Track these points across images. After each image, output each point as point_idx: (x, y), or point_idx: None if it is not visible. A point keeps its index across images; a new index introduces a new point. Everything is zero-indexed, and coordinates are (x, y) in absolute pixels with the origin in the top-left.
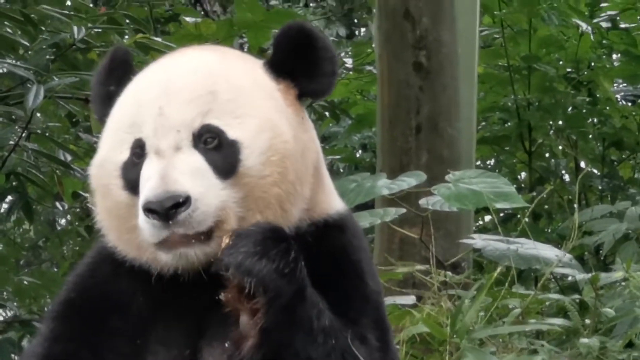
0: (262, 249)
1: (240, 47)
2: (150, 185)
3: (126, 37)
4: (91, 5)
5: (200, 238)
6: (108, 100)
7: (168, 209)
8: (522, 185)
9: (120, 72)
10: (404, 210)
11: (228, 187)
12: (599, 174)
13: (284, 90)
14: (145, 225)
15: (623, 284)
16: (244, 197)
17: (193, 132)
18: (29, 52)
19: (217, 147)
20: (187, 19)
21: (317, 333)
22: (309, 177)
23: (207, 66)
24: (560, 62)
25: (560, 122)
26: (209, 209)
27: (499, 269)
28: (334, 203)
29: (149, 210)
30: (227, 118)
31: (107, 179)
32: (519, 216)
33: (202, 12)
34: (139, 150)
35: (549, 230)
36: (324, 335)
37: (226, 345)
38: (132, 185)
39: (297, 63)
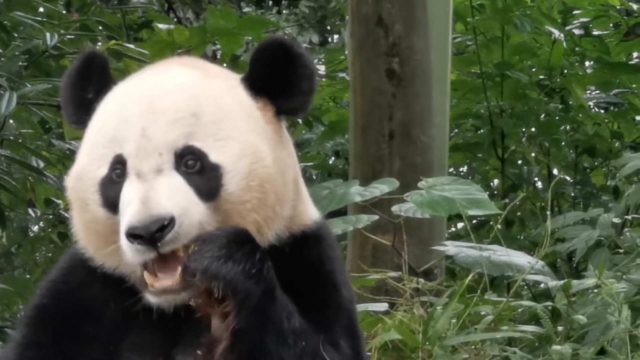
0: (227, 252)
1: (213, 54)
2: (132, 210)
3: (99, 43)
4: (64, 12)
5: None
6: (83, 106)
7: (154, 233)
8: (495, 192)
9: (99, 80)
10: (376, 217)
11: (209, 210)
12: (571, 181)
13: (262, 108)
14: (128, 248)
15: (595, 291)
16: (223, 220)
17: (175, 153)
18: (2, 59)
19: (199, 171)
20: (160, 25)
21: (288, 334)
22: (290, 195)
23: (191, 85)
24: (533, 69)
25: (532, 129)
26: (192, 222)
27: (470, 276)
28: (310, 213)
29: (132, 235)
30: (210, 140)
31: (84, 193)
32: (491, 223)
33: (175, 19)
34: (119, 168)
35: (522, 237)
36: (294, 337)
37: (198, 352)
38: (111, 203)
39: (275, 80)
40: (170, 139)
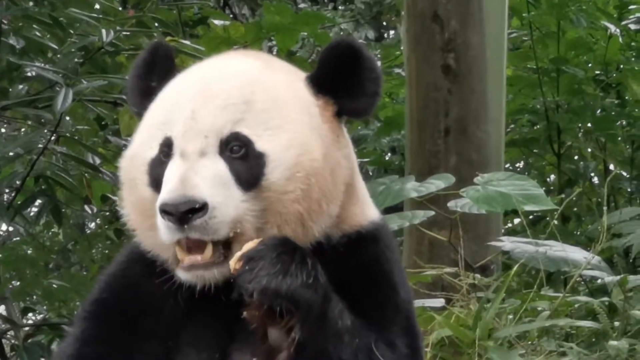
0: (282, 267)
1: (269, 50)
2: (168, 187)
3: (155, 40)
4: (120, 8)
5: (219, 251)
6: (148, 95)
7: (183, 213)
8: (551, 188)
9: (163, 69)
10: (432, 213)
11: (248, 199)
12: (627, 176)
13: (322, 107)
14: (162, 225)
15: None
16: (263, 210)
17: (221, 139)
18: (58, 56)
19: (243, 157)
20: (216, 22)
21: (343, 332)
22: (338, 195)
23: (248, 74)
24: (589, 65)
25: (589, 125)
26: (225, 219)
27: (515, 268)
28: (367, 213)
29: (164, 211)
30: (259, 129)
31: (134, 173)
32: (547, 219)
33: (231, 15)
34: (166, 149)
35: (578, 233)
36: (348, 335)
37: None
38: (156, 182)
39: (340, 80)
40: (218, 124)
